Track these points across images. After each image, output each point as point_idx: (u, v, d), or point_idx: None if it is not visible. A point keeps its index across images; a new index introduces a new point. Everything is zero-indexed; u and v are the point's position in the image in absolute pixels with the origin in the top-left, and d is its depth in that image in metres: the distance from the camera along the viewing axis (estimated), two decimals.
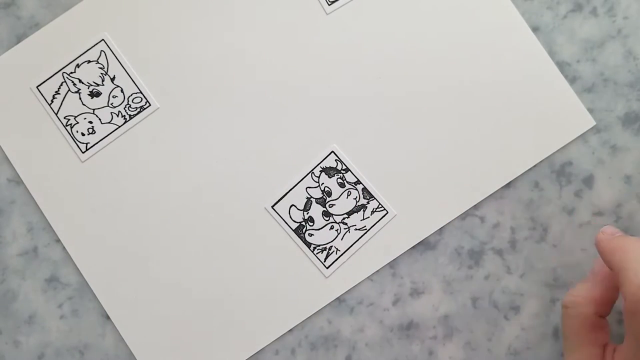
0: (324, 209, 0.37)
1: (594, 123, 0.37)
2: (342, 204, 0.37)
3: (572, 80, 0.38)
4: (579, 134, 0.37)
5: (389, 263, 0.37)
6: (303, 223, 0.37)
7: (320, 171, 0.38)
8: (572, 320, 0.32)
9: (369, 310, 0.37)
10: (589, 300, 0.32)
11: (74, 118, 0.38)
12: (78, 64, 0.38)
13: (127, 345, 0.37)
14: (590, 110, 0.38)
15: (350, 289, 0.37)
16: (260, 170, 0.38)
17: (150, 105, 0.38)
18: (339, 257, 0.37)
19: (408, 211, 0.37)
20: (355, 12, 0.38)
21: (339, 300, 0.37)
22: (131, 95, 0.38)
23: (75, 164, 0.38)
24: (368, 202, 0.37)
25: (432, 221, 0.37)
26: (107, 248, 0.38)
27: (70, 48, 0.39)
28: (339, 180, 0.38)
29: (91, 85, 0.38)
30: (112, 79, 0.38)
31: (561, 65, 0.38)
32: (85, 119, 0.38)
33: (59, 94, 0.38)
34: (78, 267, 0.38)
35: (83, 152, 0.38)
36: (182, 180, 0.38)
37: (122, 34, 0.39)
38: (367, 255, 0.37)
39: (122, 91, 0.38)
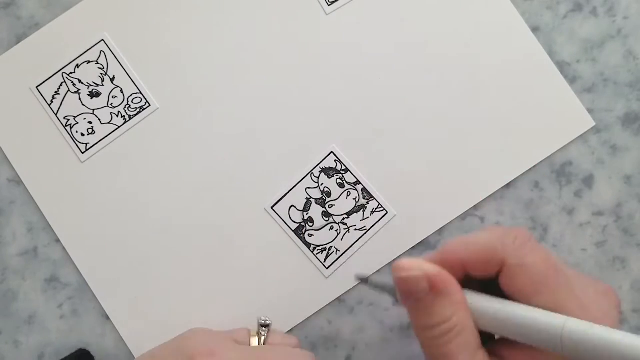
0: (324, 209, 0.37)
1: (593, 123, 0.37)
2: (341, 205, 0.37)
3: (572, 80, 0.38)
4: (579, 134, 0.37)
5: (389, 263, 0.37)
6: (303, 223, 0.37)
7: (320, 172, 0.38)
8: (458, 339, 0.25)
9: (369, 310, 0.37)
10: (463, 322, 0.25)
11: (74, 118, 0.38)
12: (78, 64, 0.38)
13: (126, 345, 0.37)
14: (590, 111, 0.37)
15: (350, 289, 0.37)
16: (260, 171, 0.38)
17: (150, 105, 0.38)
18: (339, 257, 0.37)
19: (408, 211, 0.37)
20: (355, 12, 0.38)
21: (339, 300, 0.37)
22: (131, 95, 0.38)
23: (75, 164, 0.38)
24: (368, 203, 0.37)
25: (432, 221, 0.37)
26: (107, 248, 0.38)
27: (70, 48, 0.39)
28: (339, 181, 0.37)
29: (91, 85, 0.38)
30: (112, 79, 0.38)
31: (561, 65, 0.38)
32: (85, 119, 0.38)
33: (58, 94, 0.38)
34: (78, 267, 0.38)
35: (83, 153, 0.38)
36: (182, 181, 0.38)
37: (122, 34, 0.39)
38: (367, 255, 0.37)
39: (121, 91, 0.38)
